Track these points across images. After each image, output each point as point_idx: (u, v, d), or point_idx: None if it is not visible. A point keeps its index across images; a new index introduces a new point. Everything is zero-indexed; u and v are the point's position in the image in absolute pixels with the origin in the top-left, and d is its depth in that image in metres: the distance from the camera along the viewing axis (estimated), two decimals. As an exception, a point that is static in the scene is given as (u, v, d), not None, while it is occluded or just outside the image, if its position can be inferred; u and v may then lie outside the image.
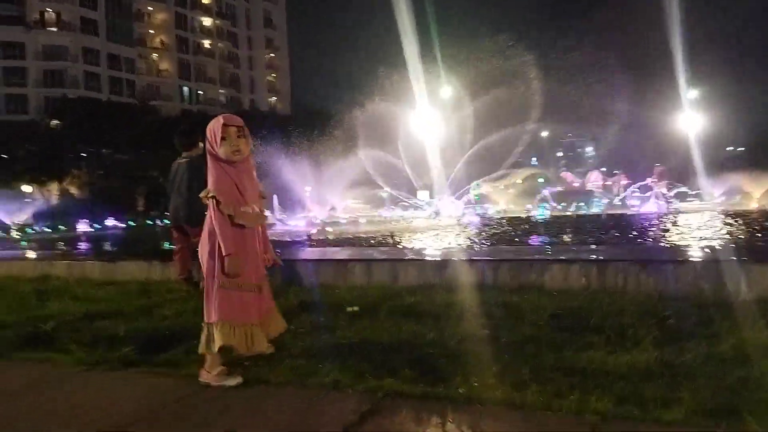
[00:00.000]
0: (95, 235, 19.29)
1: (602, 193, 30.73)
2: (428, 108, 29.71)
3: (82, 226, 25.30)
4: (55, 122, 53.40)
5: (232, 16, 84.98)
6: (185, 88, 77.39)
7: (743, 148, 43.14)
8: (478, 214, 21.68)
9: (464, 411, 2.84)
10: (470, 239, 11.45)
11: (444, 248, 9.31)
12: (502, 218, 20.08)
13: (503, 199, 31.59)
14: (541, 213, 21.23)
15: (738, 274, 4.69)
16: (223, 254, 3.40)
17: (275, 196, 26.50)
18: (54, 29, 64.68)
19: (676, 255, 6.17)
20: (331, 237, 13.68)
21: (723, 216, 16.90)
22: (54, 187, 49.23)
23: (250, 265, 3.53)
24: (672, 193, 25.28)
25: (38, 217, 36.62)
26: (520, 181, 34.00)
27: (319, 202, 31.86)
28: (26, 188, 45.40)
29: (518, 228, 13.86)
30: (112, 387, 3.51)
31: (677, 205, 24.30)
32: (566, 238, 10.61)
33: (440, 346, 3.80)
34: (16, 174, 44.70)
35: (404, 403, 2.96)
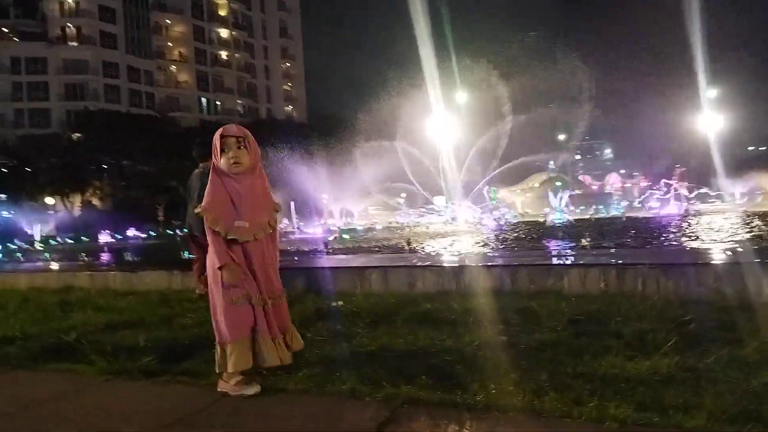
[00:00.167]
0: (117, 246, 19.57)
1: (621, 195, 30.41)
2: (444, 112, 29.68)
3: (104, 237, 25.67)
4: (76, 135, 54.31)
5: (248, 26, 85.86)
6: (204, 99, 78.27)
7: (765, 148, 42.41)
8: (495, 219, 21.57)
9: (482, 418, 2.82)
10: (487, 244, 11.40)
11: (460, 254, 9.28)
12: (520, 222, 19.96)
13: (521, 203, 31.41)
14: (559, 217, 21.06)
15: (760, 277, 4.61)
16: (216, 267, 3.39)
17: (292, 204, 26.64)
18: (75, 44, 65.92)
19: (697, 258, 6.09)
20: (347, 244, 13.71)
21: (744, 217, 16.62)
22: (76, 199, 50.06)
23: (250, 279, 3.44)
24: (692, 195, 24.93)
25: (61, 228, 37.25)
26: (538, 185, 33.77)
27: (336, 209, 31.96)
28: (49, 200, 46.18)
29: (536, 232, 13.76)
30: (132, 397, 3.56)
31: (698, 206, 23.95)
32: (584, 242, 10.50)
33: (457, 353, 3.80)
34: (39, 186, 45.52)
35: (422, 411, 2.95)
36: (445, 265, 6.49)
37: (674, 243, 10.53)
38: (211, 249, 3.46)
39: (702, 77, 32.71)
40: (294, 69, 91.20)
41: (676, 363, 3.30)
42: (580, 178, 40.13)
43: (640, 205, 27.29)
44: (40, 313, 5.98)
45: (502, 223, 19.36)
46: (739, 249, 7.35)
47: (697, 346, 3.55)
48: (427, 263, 6.79)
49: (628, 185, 35.50)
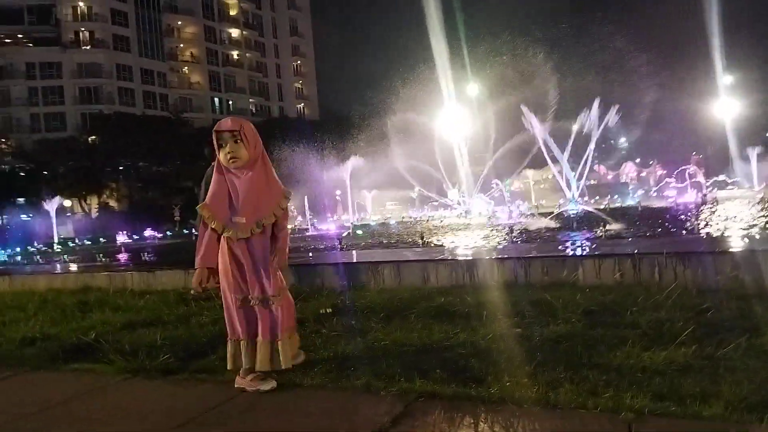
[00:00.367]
0: (134, 247, 19.78)
1: (637, 184, 30.10)
2: (457, 106, 29.56)
3: (121, 238, 25.93)
4: (92, 138, 54.90)
5: (259, 26, 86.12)
6: (216, 99, 78.72)
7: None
8: (509, 211, 21.47)
9: (497, 411, 2.81)
10: (501, 237, 11.34)
11: (474, 247, 9.25)
12: (534, 214, 19.85)
13: (535, 194, 31.21)
14: (573, 208, 20.90)
15: (779, 264, 4.55)
16: (196, 265, 3.40)
17: (306, 200, 26.73)
18: (88, 47, 66.56)
19: (714, 246, 6.01)
20: (361, 240, 13.72)
21: (762, 204, 16.37)
22: (94, 201, 50.66)
23: (244, 279, 3.42)
24: (710, 182, 24.61)
25: (79, 230, 37.70)
26: (552, 177, 33.51)
27: (350, 205, 32.00)
28: (67, 203, 46.76)
29: (551, 224, 13.67)
30: (150, 395, 3.60)
31: (715, 194, 23.64)
32: (599, 232, 10.41)
33: (472, 347, 3.79)
34: (57, 189, 46.12)
35: (437, 405, 2.95)
36: (458, 258, 6.47)
37: (691, 231, 10.40)
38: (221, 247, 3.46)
39: (718, 63, 32.23)
40: (305, 67, 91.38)
41: (693, 352, 3.27)
42: (595, 168, 39.75)
43: (656, 194, 27.00)
44: (59, 314, 6.06)
45: (515, 215, 19.26)
46: (757, 236, 7.26)
47: (714, 334, 3.51)
48: (440, 257, 6.77)
49: (643, 174, 35.13)
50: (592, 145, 29.91)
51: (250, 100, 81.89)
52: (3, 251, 20.81)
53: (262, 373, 3.41)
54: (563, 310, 4.36)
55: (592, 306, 4.42)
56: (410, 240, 11.85)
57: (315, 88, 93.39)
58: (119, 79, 67.53)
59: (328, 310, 5.14)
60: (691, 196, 21.01)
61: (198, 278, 3.42)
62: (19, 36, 64.74)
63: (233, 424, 3.03)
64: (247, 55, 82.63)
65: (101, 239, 27.68)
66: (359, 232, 16.42)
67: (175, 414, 3.20)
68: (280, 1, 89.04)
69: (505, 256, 6.38)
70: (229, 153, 3.34)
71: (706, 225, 11.08)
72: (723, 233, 9.20)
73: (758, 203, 16.94)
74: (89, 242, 27.43)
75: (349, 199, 32.19)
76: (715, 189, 25.34)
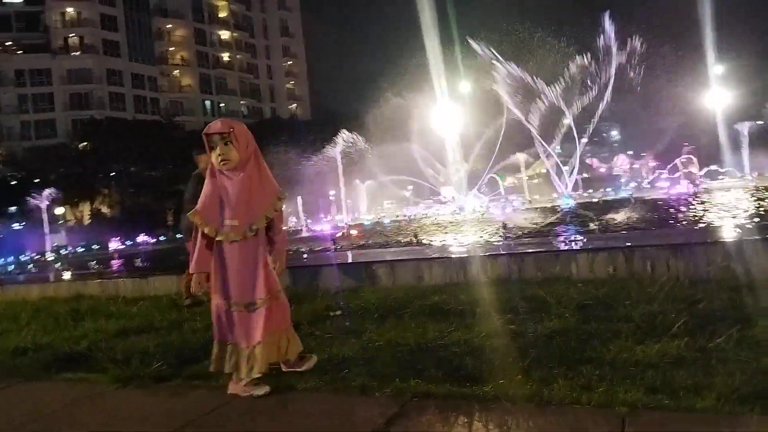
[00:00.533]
0: (127, 253, 19.71)
1: (629, 176, 30.19)
2: (449, 103, 29.55)
3: (114, 244, 25.84)
4: (83, 144, 54.66)
5: (249, 27, 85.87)
6: (207, 102, 78.48)
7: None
8: (503, 206, 21.49)
9: (491, 409, 2.81)
10: (495, 233, 11.35)
11: (468, 244, 9.25)
12: (528, 209, 19.88)
13: (528, 189, 31.27)
14: (566, 201, 20.94)
15: (770, 253, 4.56)
16: (191, 270, 3.42)
17: (300, 201, 26.69)
18: (78, 53, 66.26)
19: (706, 237, 6.03)
20: (355, 240, 13.71)
21: (754, 193, 16.44)
22: (86, 208, 50.43)
23: (241, 283, 3.37)
24: (702, 173, 24.71)
25: (72, 237, 37.55)
26: (545, 171, 33.59)
27: (344, 204, 31.99)
28: (59, 210, 46.53)
29: (544, 218, 13.69)
30: (144, 402, 3.58)
31: (707, 184, 23.73)
32: (593, 225, 10.43)
33: (466, 345, 3.79)
34: (49, 197, 45.89)
35: (431, 404, 2.95)
36: (451, 256, 6.47)
37: (683, 222, 10.44)
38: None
39: (709, 53, 32.31)
40: (296, 67, 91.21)
41: (686, 344, 3.28)
42: (588, 161, 39.85)
43: (648, 186, 27.08)
44: (51, 323, 6.03)
45: (509, 210, 19.28)
46: (748, 226, 7.28)
47: (707, 326, 3.52)
48: (434, 255, 6.77)
49: (636, 166, 35.22)
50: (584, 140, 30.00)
51: (242, 101, 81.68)
52: (-4, 260, 20.70)
53: (255, 378, 3.38)
54: (557, 305, 4.36)
55: (585, 300, 4.42)
56: (404, 238, 11.84)
57: (307, 88, 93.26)
58: (109, 84, 67.26)
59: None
60: (682, 187, 21.10)
61: (196, 284, 3.42)
62: (8, 43, 64.38)
63: (231, 426, 3.01)
64: (237, 56, 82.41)
65: (94, 246, 27.57)
66: (353, 232, 16.41)
67: (170, 420, 3.18)
68: (270, 2, 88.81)
69: (499, 252, 6.38)
70: (219, 155, 3.32)
71: (698, 216, 11.11)
72: (714, 224, 9.23)
73: (749, 192, 17.02)
74: (82, 249, 27.32)
75: (342, 198, 32.16)
76: (707, 179, 25.42)
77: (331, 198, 34.84)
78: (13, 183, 47.62)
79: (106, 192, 51.10)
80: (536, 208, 19.47)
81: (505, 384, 3.01)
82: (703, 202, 14.51)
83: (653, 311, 3.92)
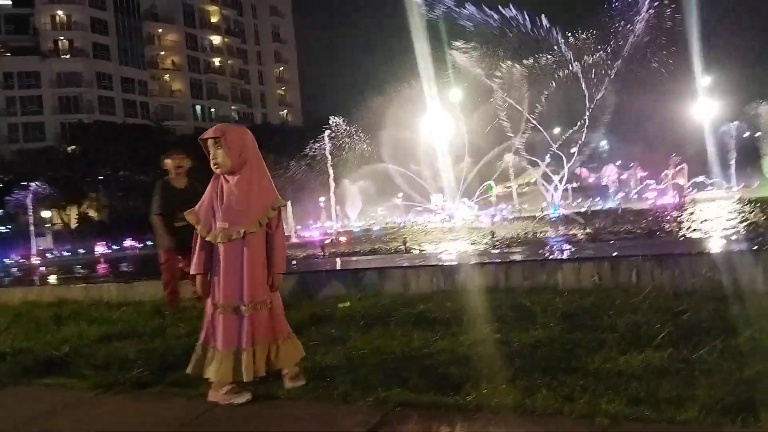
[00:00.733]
0: (113, 257, 19.54)
1: (618, 187, 30.41)
2: (440, 112, 29.67)
3: (101, 248, 25.62)
4: (72, 147, 54.28)
5: (240, 32, 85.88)
6: (198, 107, 78.28)
7: (759, 134, 42.37)
8: (492, 216, 21.56)
9: (474, 419, 2.80)
10: (483, 242, 11.38)
11: (455, 252, 9.26)
12: (517, 218, 19.96)
13: (518, 199, 31.42)
14: (554, 211, 21.04)
15: (753, 265, 4.59)
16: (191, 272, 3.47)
17: (290, 207, 26.62)
18: (67, 56, 65.90)
19: (691, 248, 6.06)
20: (343, 247, 13.69)
21: (741, 204, 16.60)
22: (73, 212, 50.02)
23: (227, 286, 3.35)
24: (689, 184, 24.93)
25: (58, 241, 37.21)
26: (534, 181, 33.77)
27: (333, 211, 31.96)
28: (46, 214, 46.14)
29: (533, 228, 13.73)
30: (124, 409, 3.52)
31: (694, 195, 23.95)
32: (580, 235, 10.48)
33: (451, 353, 3.77)
34: (36, 201, 45.50)
35: (413, 414, 2.92)
36: (439, 264, 6.47)
37: (668, 233, 10.51)
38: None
39: (697, 65, 32.64)
40: (288, 73, 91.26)
41: (669, 355, 3.28)
42: (577, 171, 40.05)
43: (636, 196, 27.29)
44: (32, 328, 5.95)
45: (498, 220, 19.34)
46: (733, 237, 7.34)
47: (691, 337, 3.53)
48: (421, 263, 6.76)
49: (624, 177, 35.44)
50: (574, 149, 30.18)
51: (233, 107, 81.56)
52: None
53: (237, 386, 3.34)
54: (542, 314, 4.36)
55: (570, 309, 4.43)
56: (393, 246, 11.83)
57: (299, 94, 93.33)
58: (99, 88, 66.95)
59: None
60: (670, 198, 21.26)
61: (200, 286, 3.43)
62: (-3, 45, 63.99)
63: (207, 438, 2.97)
64: (229, 62, 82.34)
65: (80, 250, 27.33)
66: (342, 239, 16.37)
67: (148, 428, 3.14)
68: (262, 8, 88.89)
69: (486, 261, 6.38)
70: (212, 159, 3.39)
71: (683, 226, 11.20)
72: (699, 235, 9.31)
73: (735, 204, 17.18)
74: (68, 253, 27.07)
75: (332, 205, 32.15)
76: (695, 190, 25.66)
77: (320, 204, 34.80)
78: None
79: (95, 196, 50.73)
80: (525, 217, 19.53)
81: (489, 393, 3.00)
82: (689, 213, 14.63)
83: (638, 321, 3.92)
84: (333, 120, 31.97)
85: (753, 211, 13.77)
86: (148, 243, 29.56)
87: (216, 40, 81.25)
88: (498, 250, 9.01)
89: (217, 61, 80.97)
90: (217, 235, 3.35)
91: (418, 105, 29.85)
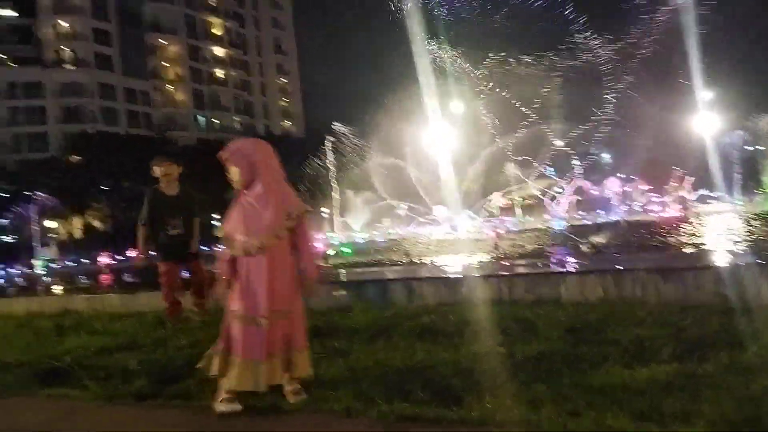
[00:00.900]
0: (116, 268, 19.54)
1: (621, 199, 30.35)
2: (441, 123, 29.73)
3: (104, 259, 25.64)
4: (75, 158, 54.42)
5: (243, 44, 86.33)
6: (201, 118, 78.54)
7: (764, 147, 42.35)
8: (495, 227, 21.53)
9: (477, 433, 2.77)
10: (487, 254, 11.35)
11: (460, 265, 9.24)
12: (520, 231, 19.93)
13: (521, 210, 31.40)
14: (558, 223, 21.02)
15: (759, 279, 4.56)
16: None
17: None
18: (71, 67, 66.22)
19: (696, 261, 6.04)
20: (346, 258, 13.67)
21: (745, 218, 16.56)
22: (77, 222, 50.08)
23: (247, 297, 3.41)
24: (693, 197, 24.90)
25: (62, 251, 37.23)
26: (538, 193, 33.76)
27: (336, 223, 31.97)
28: (51, 224, 46.21)
29: (536, 240, 13.72)
30: (125, 421, 3.51)
31: (698, 208, 23.90)
32: (584, 248, 10.46)
33: (454, 367, 3.74)
34: (41, 211, 45.60)
35: (416, 428, 2.90)
36: (443, 276, 6.45)
37: (672, 246, 10.49)
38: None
39: (698, 78, 32.68)
40: (290, 85, 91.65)
41: (675, 370, 3.25)
42: (580, 183, 39.96)
43: (640, 209, 27.23)
44: (35, 339, 5.93)
45: (502, 231, 19.31)
46: (738, 251, 7.32)
47: (696, 351, 3.50)
48: (425, 275, 6.75)
49: (627, 189, 35.36)
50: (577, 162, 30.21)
51: (235, 118, 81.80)
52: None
53: (230, 395, 3.34)
54: (546, 327, 4.33)
55: (574, 323, 4.39)
56: (397, 258, 11.82)
57: (301, 105, 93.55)
58: (102, 98, 67.16)
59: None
60: (673, 211, 21.23)
61: (221, 290, 3.58)
62: (0, 56, 64.28)
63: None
64: (231, 73, 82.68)
65: (83, 260, 27.34)
66: (345, 250, 16.36)
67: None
68: (264, 20, 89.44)
69: (489, 273, 6.36)
70: (228, 176, 3.53)
71: (687, 240, 11.17)
72: (704, 248, 9.28)
73: (739, 218, 17.14)
74: (72, 263, 27.08)
75: (336, 216, 32.17)
76: (698, 204, 25.60)
77: (323, 215, 34.80)
78: (4, 196, 47.28)
79: (98, 206, 50.80)
80: (529, 230, 19.51)
81: (492, 407, 2.97)
82: (693, 226, 14.60)
83: (642, 336, 3.90)
84: (335, 126, 32.04)
85: (755, 224, 13.75)
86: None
87: (218, 51, 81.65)
88: (501, 263, 9.00)
89: (219, 72, 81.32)
90: (238, 248, 3.43)
91: (419, 114, 29.93)
